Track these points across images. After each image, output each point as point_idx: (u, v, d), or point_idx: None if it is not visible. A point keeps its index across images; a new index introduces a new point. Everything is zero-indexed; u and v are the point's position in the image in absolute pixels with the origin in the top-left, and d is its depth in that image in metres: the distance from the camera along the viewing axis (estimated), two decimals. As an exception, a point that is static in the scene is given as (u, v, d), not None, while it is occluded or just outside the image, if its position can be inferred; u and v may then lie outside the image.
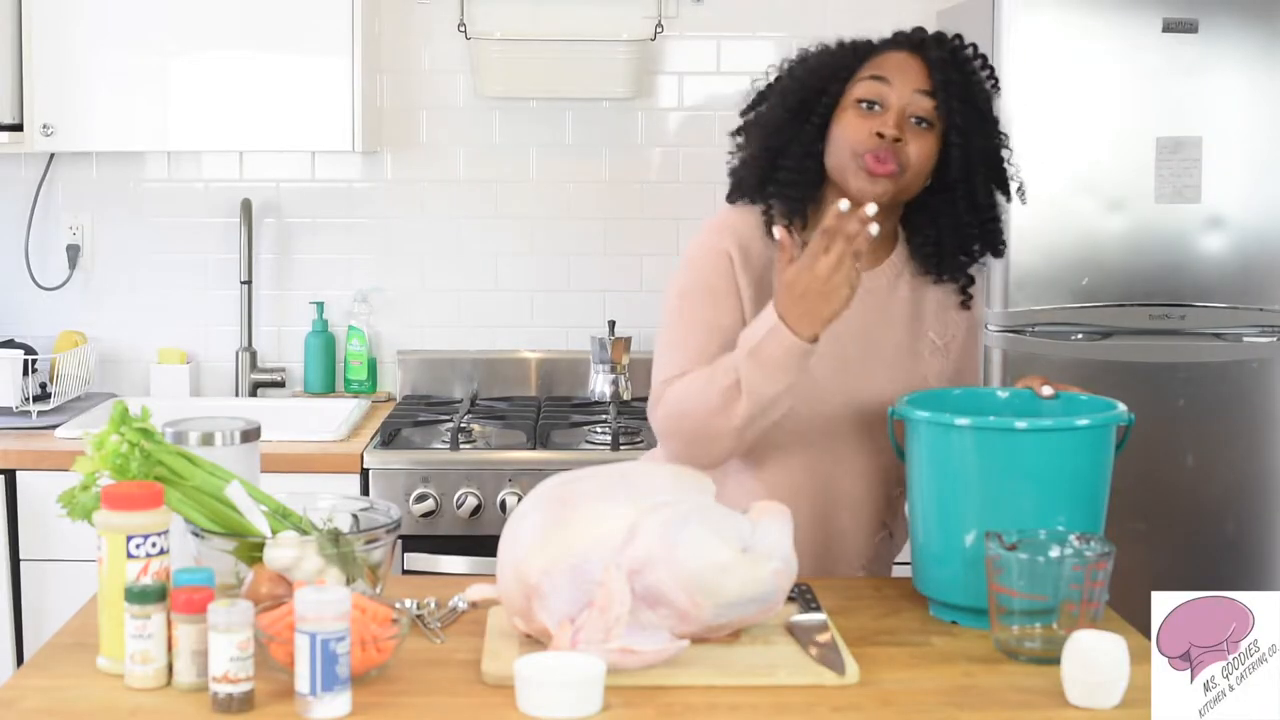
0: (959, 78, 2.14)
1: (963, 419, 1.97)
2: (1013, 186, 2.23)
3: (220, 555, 1.90)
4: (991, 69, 2.22)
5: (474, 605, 2.00)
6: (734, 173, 2.25)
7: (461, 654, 1.84)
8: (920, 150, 2.12)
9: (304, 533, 1.91)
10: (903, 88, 2.13)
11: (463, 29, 3.75)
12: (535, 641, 1.83)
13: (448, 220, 3.81)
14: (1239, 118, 3.23)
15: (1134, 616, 1.93)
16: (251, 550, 1.89)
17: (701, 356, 2.10)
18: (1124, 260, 3.22)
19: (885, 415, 2.07)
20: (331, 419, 3.42)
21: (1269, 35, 3.20)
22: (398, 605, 1.84)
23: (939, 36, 2.20)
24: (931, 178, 2.17)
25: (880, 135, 2.10)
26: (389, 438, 3.27)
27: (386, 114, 3.78)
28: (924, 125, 2.13)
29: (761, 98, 2.25)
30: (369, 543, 1.92)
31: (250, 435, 2.10)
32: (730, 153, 2.27)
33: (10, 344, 3.63)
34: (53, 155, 3.74)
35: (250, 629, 1.67)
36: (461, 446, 3.22)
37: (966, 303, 2.27)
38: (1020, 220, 3.21)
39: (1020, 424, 1.95)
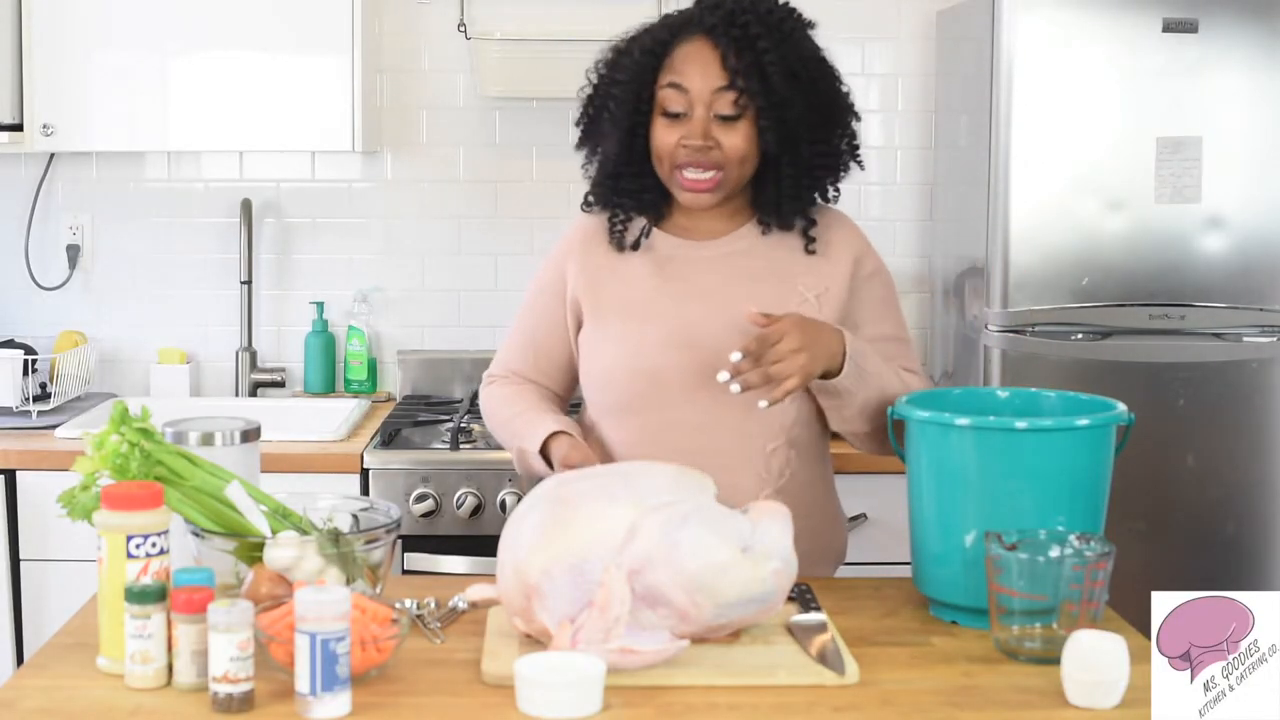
0: (752, 57, 2.12)
1: (963, 419, 1.97)
2: (853, 123, 2.25)
3: (220, 555, 1.91)
4: (793, 13, 2.19)
5: (474, 605, 2.00)
6: (590, 182, 2.30)
7: (461, 654, 1.84)
8: (734, 142, 2.14)
9: (304, 533, 1.91)
10: (701, 89, 2.13)
11: (463, 29, 3.75)
12: (535, 641, 1.83)
13: (448, 220, 3.81)
14: (1239, 118, 3.22)
15: (1134, 616, 1.93)
16: (251, 550, 1.89)
17: (515, 359, 2.35)
18: (1124, 260, 3.22)
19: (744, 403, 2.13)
20: (331, 419, 3.42)
21: (1269, 35, 3.20)
22: (398, 605, 1.84)
23: (730, 14, 2.14)
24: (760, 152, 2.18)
25: (687, 145, 2.14)
26: (389, 438, 3.27)
27: (386, 114, 3.77)
28: (732, 118, 2.13)
29: (589, 110, 2.26)
30: (369, 543, 1.92)
31: (250, 435, 2.10)
32: (583, 167, 2.30)
33: (10, 344, 3.63)
34: (53, 155, 3.74)
35: (250, 629, 1.67)
36: (461, 446, 3.22)
37: (810, 246, 2.24)
38: (1020, 220, 3.21)
39: (1020, 424, 1.96)
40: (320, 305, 3.77)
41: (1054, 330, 3.23)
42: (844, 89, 2.24)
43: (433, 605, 2.00)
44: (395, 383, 3.82)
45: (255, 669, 1.67)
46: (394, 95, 3.78)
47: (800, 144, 2.16)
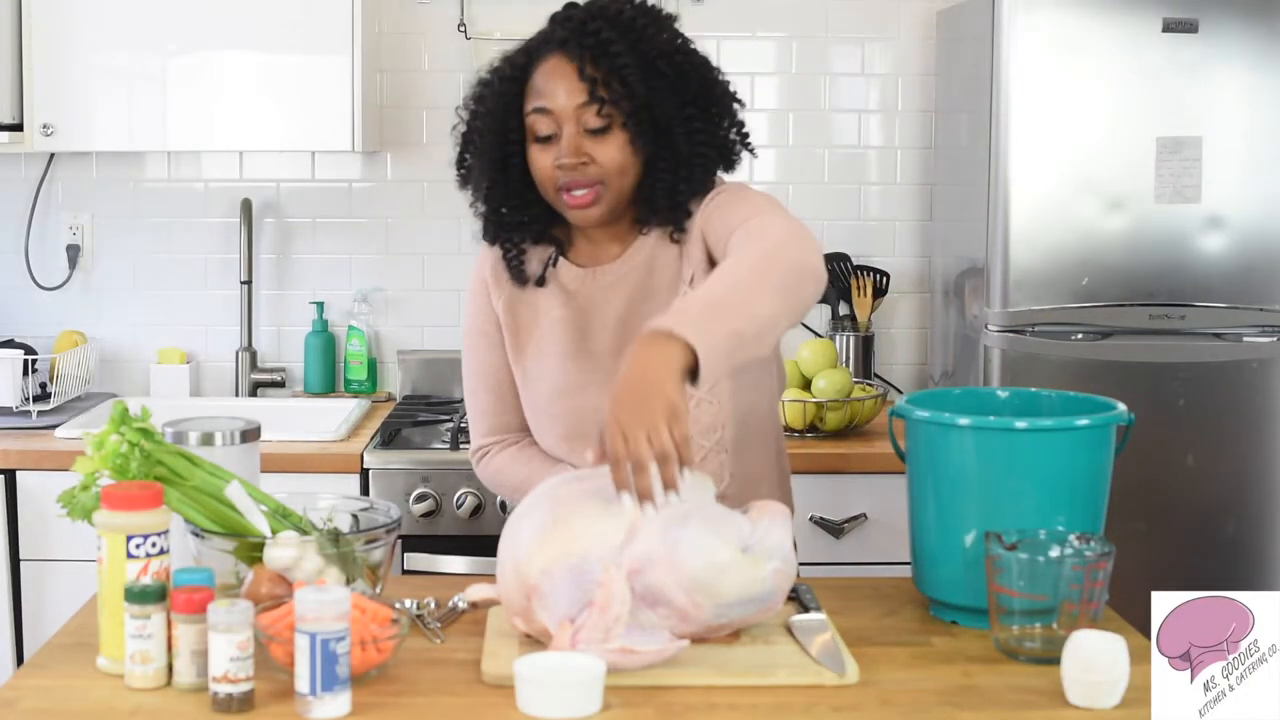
0: (609, 64, 2.06)
1: (963, 419, 1.97)
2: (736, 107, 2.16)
3: (220, 555, 1.91)
4: (649, 9, 2.12)
5: (474, 605, 2.01)
6: (481, 218, 2.24)
7: (461, 654, 1.84)
8: (608, 154, 2.08)
9: (304, 533, 1.91)
10: (565, 108, 2.07)
11: (463, 29, 3.75)
12: (535, 641, 1.83)
13: (448, 220, 3.81)
14: (1239, 118, 3.22)
15: (1134, 616, 1.93)
16: (251, 550, 1.89)
17: (491, 418, 2.28)
18: (1124, 260, 3.22)
19: None
20: (331, 419, 3.42)
21: (1269, 35, 3.20)
22: (398, 605, 1.84)
23: (581, 25, 2.08)
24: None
25: (562, 166, 2.09)
26: (389, 438, 3.27)
27: (386, 114, 3.77)
28: (601, 130, 2.08)
29: (462, 148, 2.20)
30: (369, 543, 1.92)
31: (250, 435, 2.10)
32: (471, 206, 2.24)
33: (10, 344, 3.63)
34: (53, 155, 3.74)
35: (250, 629, 1.67)
36: (461, 446, 3.22)
37: (677, 235, 2.15)
38: (1020, 220, 3.21)
39: (1020, 424, 1.96)
40: (320, 305, 3.77)
41: (1054, 330, 3.23)
42: (719, 78, 2.15)
43: (433, 605, 2.00)
44: (395, 383, 3.82)
45: (255, 669, 1.67)
46: (394, 95, 3.78)
47: (677, 140, 2.09)
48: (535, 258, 2.24)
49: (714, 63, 2.17)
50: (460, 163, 2.21)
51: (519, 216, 2.19)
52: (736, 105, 2.17)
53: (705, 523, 1.81)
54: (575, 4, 2.14)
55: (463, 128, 2.20)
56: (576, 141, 2.08)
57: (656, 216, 2.15)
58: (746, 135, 2.19)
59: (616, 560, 1.79)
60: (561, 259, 2.23)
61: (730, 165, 2.20)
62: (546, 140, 2.10)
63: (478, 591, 2.00)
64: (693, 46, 2.15)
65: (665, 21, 2.14)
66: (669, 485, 1.72)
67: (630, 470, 1.72)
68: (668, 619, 1.81)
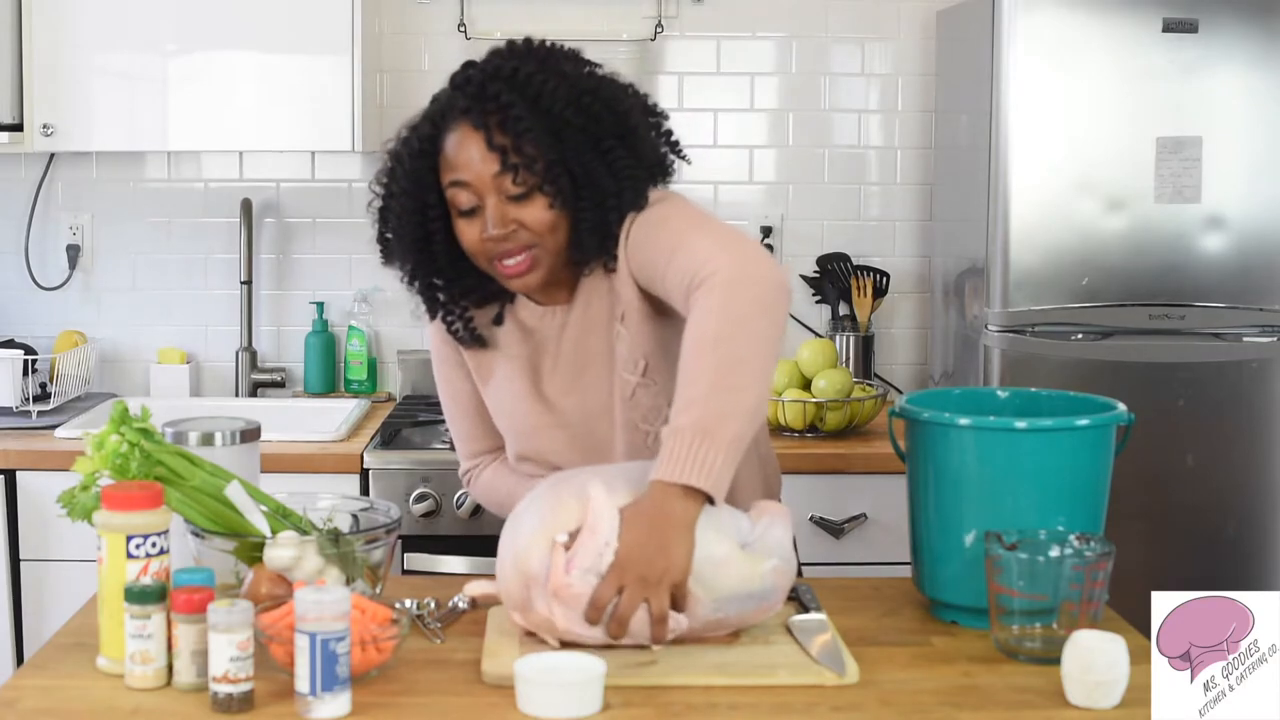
0: (515, 131, 1.96)
1: (963, 419, 1.97)
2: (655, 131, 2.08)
3: (220, 555, 1.91)
4: (546, 57, 2.05)
5: (473, 602, 2.01)
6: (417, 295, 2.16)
7: (461, 654, 1.84)
8: (535, 216, 1.99)
9: (304, 533, 1.91)
10: (481, 178, 1.98)
11: (463, 29, 3.75)
12: (535, 640, 1.84)
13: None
14: (1239, 118, 3.22)
15: (1134, 616, 1.93)
16: (251, 550, 1.89)
17: (475, 440, 2.27)
18: (1124, 260, 3.22)
19: (623, 420, 2.07)
20: (331, 419, 3.42)
21: (1269, 35, 3.20)
22: (398, 605, 1.84)
23: (480, 89, 2.00)
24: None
25: (489, 239, 2.00)
26: (389, 438, 3.27)
27: (386, 114, 3.77)
28: (523, 196, 1.98)
29: (382, 226, 2.09)
30: (369, 543, 1.92)
31: (250, 435, 2.10)
32: (401, 281, 2.15)
33: (10, 344, 3.63)
34: (53, 155, 3.74)
35: (250, 629, 1.67)
36: (461, 446, 3.22)
37: (611, 265, 2.05)
38: (1020, 220, 3.21)
39: (1020, 424, 1.96)
40: (320, 305, 3.77)
41: (1054, 330, 3.23)
42: (632, 98, 2.06)
43: (433, 605, 2.00)
44: (395, 383, 3.82)
45: (255, 669, 1.67)
46: (394, 95, 3.78)
47: (599, 178, 2.00)
48: (481, 312, 2.16)
49: (623, 81, 2.09)
50: (381, 240, 2.11)
51: (453, 289, 2.12)
52: (657, 119, 2.10)
53: (704, 516, 1.80)
54: (473, 63, 2.05)
55: (378, 203, 2.08)
56: (501, 210, 1.98)
57: (591, 255, 2.06)
58: (676, 143, 2.11)
59: (605, 479, 1.80)
60: (519, 296, 2.15)
61: (667, 176, 2.12)
62: (470, 213, 2.01)
63: (477, 587, 2.00)
64: (599, 75, 2.06)
65: (566, 63, 2.05)
66: (656, 641, 1.78)
67: (609, 616, 1.76)
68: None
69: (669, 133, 2.11)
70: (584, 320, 2.10)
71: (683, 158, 2.13)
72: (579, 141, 1.99)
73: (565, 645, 1.81)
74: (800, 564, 2.17)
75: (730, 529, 1.84)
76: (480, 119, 1.97)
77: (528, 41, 2.08)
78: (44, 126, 3.41)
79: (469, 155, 1.98)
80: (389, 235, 2.09)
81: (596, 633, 1.78)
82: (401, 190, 2.03)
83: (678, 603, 1.78)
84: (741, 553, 1.83)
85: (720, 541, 1.82)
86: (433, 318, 2.17)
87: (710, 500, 1.77)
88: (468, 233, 2.02)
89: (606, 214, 2.02)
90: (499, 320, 2.16)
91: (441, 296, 2.13)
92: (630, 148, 2.03)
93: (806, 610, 1.97)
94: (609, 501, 1.79)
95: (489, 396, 2.21)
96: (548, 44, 2.08)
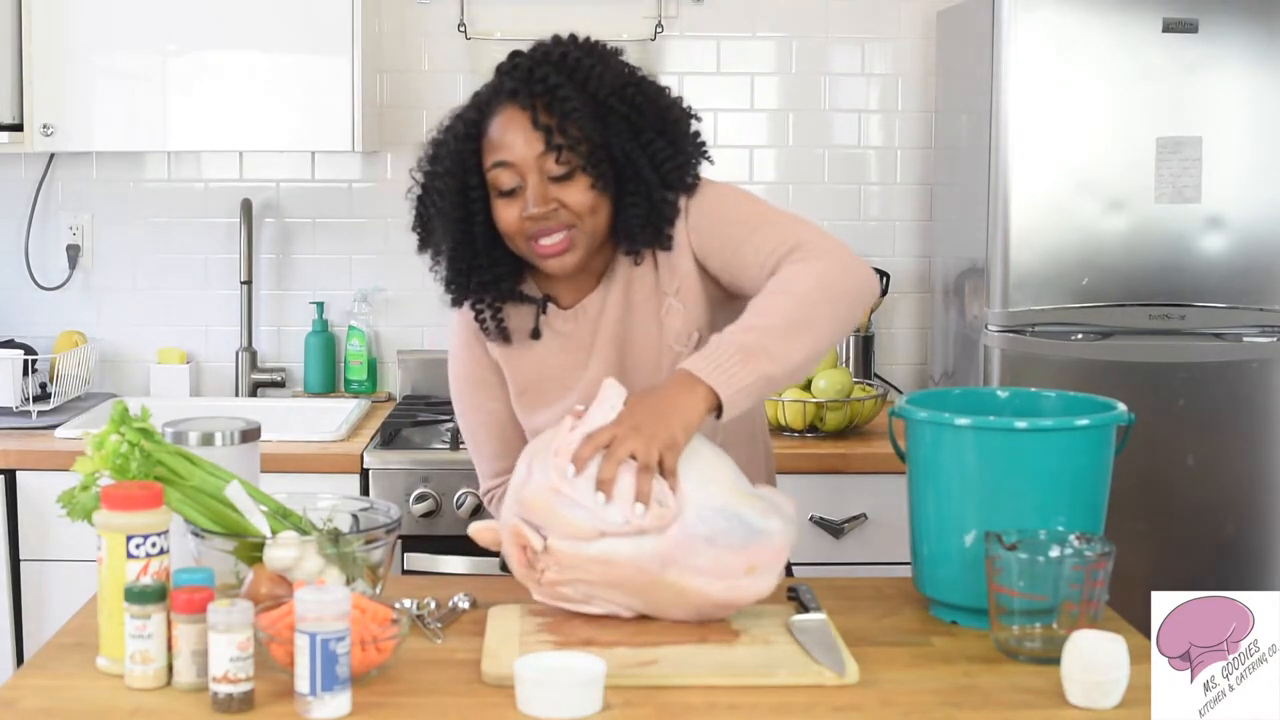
0: (562, 111, 2.02)
1: (963, 419, 1.97)
2: (692, 129, 2.13)
3: (220, 555, 1.91)
4: (593, 46, 2.11)
5: (473, 602, 2.01)
6: (444, 281, 2.19)
7: (461, 654, 1.85)
8: (575, 198, 2.04)
9: (304, 533, 1.91)
10: (525, 159, 2.03)
11: (463, 29, 3.75)
12: (535, 641, 1.84)
13: (448, 220, 3.81)
14: (1239, 118, 3.22)
15: (1134, 616, 1.93)
16: (251, 550, 1.89)
17: (497, 459, 2.25)
18: (1124, 260, 3.22)
19: None
20: (331, 419, 3.42)
21: (1269, 35, 3.20)
22: (398, 605, 1.84)
23: (528, 73, 2.06)
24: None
25: (530, 217, 2.04)
26: (389, 438, 3.27)
27: (386, 114, 3.77)
28: (565, 176, 2.04)
29: (421, 210, 2.15)
30: (369, 543, 1.92)
31: (250, 435, 2.10)
32: (432, 270, 2.19)
33: (10, 344, 3.63)
34: (53, 155, 3.74)
35: (250, 629, 1.67)
36: (461, 446, 3.22)
37: (666, 244, 2.11)
38: (1020, 220, 3.21)
39: (1020, 424, 1.96)
40: (320, 305, 3.77)
41: (1054, 330, 3.23)
42: (670, 97, 2.13)
43: (433, 605, 2.00)
44: (395, 383, 3.82)
45: (255, 669, 1.67)
46: (394, 95, 3.78)
47: (643, 169, 2.06)
48: (514, 314, 2.19)
49: (659, 82, 2.14)
50: (420, 225, 2.16)
51: (485, 275, 2.14)
52: (694, 120, 2.14)
53: (713, 449, 1.90)
54: (520, 52, 2.11)
55: (418, 190, 2.14)
56: (542, 189, 2.03)
57: (640, 244, 2.11)
58: (703, 145, 2.15)
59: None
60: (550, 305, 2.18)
61: (696, 177, 2.14)
62: (510, 194, 2.06)
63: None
64: (642, 75, 2.12)
65: (611, 56, 2.11)
66: (640, 496, 1.83)
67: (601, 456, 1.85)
68: (644, 513, 1.83)
69: (697, 134, 2.15)
70: (624, 300, 2.14)
71: (709, 160, 2.16)
72: (622, 129, 2.05)
73: (558, 595, 1.89)
74: (792, 564, 2.18)
75: (735, 469, 1.93)
76: (527, 100, 2.04)
77: (573, 35, 2.14)
78: (44, 126, 3.41)
79: (513, 136, 2.04)
80: (428, 219, 2.13)
81: (586, 516, 1.83)
82: (446, 170, 2.09)
83: (667, 474, 1.84)
84: (740, 481, 1.91)
85: (721, 461, 1.91)
86: (461, 303, 2.19)
87: (719, 415, 1.87)
88: (507, 213, 2.07)
89: (655, 205, 2.08)
90: (536, 335, 2.17)
91: (473, 282, 2.15)
92: (670, 141, 2.09)
93: (806, 610, 1.97)
94: (619, 384, 1.90)
95: (538, 418, 2.19)
96: (591, 39, 2.14)
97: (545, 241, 2.06)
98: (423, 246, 2.18)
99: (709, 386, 1.86)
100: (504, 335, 2.18)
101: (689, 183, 2.12)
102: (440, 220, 2.11)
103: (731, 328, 1.93)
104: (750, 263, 2.02)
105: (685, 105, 2.16)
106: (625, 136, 2.06)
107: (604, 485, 1.84)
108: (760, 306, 1.94)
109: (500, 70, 2.11)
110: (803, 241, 1.99)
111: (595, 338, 2.16)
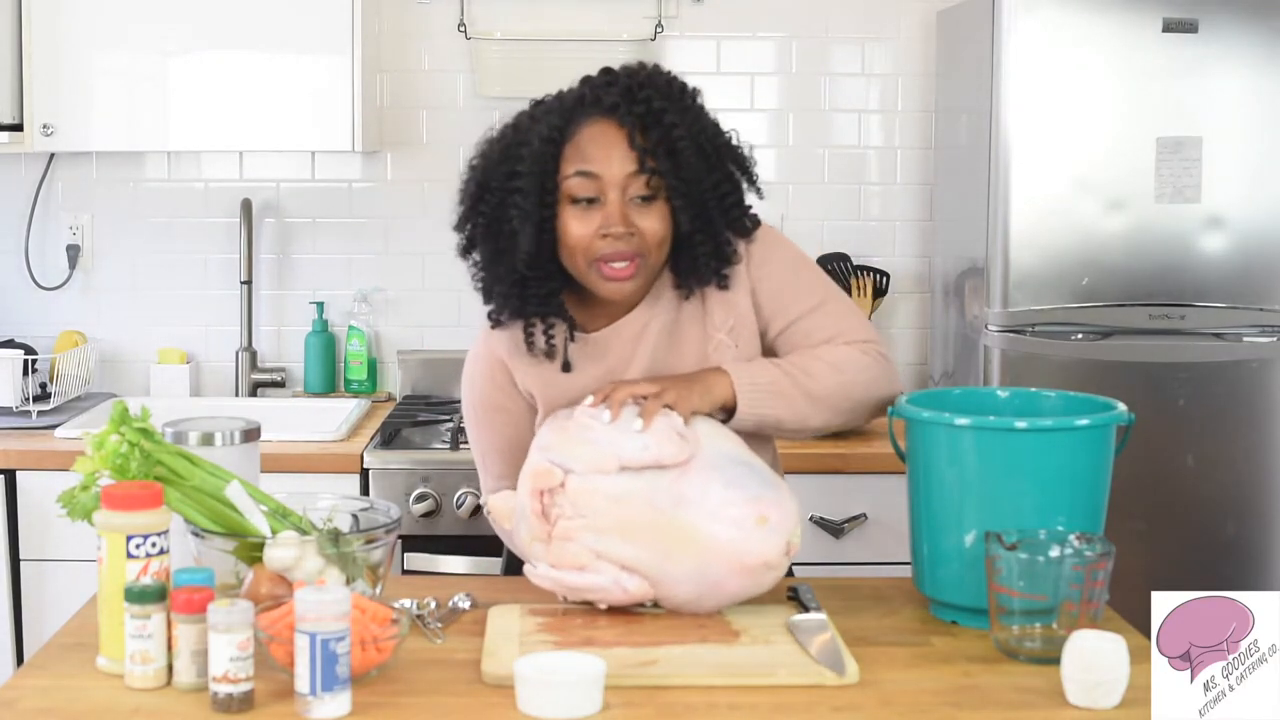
0: (660, 134, 2.01)
1: (963, 419, 1.97)
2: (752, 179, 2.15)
3: (220, 555, 1.91)
4: (686, 85, 2.09)
5: (473, 602, 2.01)
6: (486, 294, 2.13)
7: (461, 654, 1.85)
8: (652, 225, 2.03)
9: (304, 533, 1.91)
10: (614, 176, 2.01)
11: (463, 29, 3.75)
12: (535, 641, 1.84)
13: (448, 220, 3.79)
14: (1239, 118, 3.22)
15: (1134, 616, 1.93)
16: (251, 550, 1.89)
17: (503, 477, 2.20)
18: (1124, 260, 3.22)
19: None
20: (331, 419, 3.42)
21: (1269, 35, 3.20)
22: (398, 605, 1.84)
23: (628, 89, 2.04)
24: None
25: (607, 235, 2.01)
26: (389, 438, 3.27)
27: (386, 114, 3.77)
28: (647, 199, 2.02)
29: (472, 206, 2.09)
30: (369, 543, 1.92)
31: (250, 435, 2.10)
32: (473, 275, 2.13)
33: (10, 344, 3.63)
34: (53, 155, 3.74)
35: (250, 629, 1.67)
36: (461, 446, 3.22)
37: (724, 283, 2.12)
38: (1020, 220, 3.21)
39: (1020, 424, 1.96)
40: (320, 305, 3.77)
41: (1054, 330, 3.23)
42: (735, 144, 2.12)
43: (433, 605, 2.00)
44: (395, 383, 3.82)
45: (255, 669, 1.67)
46: (394, 95, 3.78)
47: (711, 211, 2.06)
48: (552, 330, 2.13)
49: (731, 130, 2.15)
50: (477, 226, 2.09)
51: (544, 287, 2.07)
52: (745, 163, 2.14)
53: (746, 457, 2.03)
54: (612, 69, 2.08)
55: (471, 188, 2.08)
56: (624, 210, 2.01)
57: (700, 283, 2.11)
58: (755, 179, 2.15)
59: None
60: (577, 332, 2.14)
61: (755, 222, 2.16)
62: (583, 204, 2.01)
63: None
64: (715, 118, 2.12)
65: (697, 94, 2.10)
66: (646, 415, 1.95)
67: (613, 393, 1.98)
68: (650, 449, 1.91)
69: (757, 177, 2.15)
70: (669, 331, 2.13)
71: (759, 193, 2.16)
72: (703, 168, 2.05)
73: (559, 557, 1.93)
74: (792, 564, 2.18)
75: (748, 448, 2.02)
76: (628, 118, 2.02)
77: (657, 65, 2.12)
78: (44, 126, 3.41)
79: (607, 150, 2.02)
80: (488, 217, 2.06)
81: (607, 445, 1.91)
82: (528, 172, 2.02)
83: (679, 408, 1.98)
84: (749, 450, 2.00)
85: (729, 435, 2.00)
86: (511, 320, 2.12)
87: (731, 414, 2.03)
88: (580, 226, 2.02)
89: (719, 246, 2.09)
90: (567, 367, 2.13)
91: (531, 293, 2.08)
92: (736, 185, 2.11)
93: (806, 610, 1.97)
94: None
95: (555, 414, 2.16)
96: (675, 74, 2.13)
97: (616, 264, 2.02)
98: (467, 250, 2.12)
99: (735, 393, 2.04)
100: (551, 353, 2.12)
101: (748, 227, 2.13)
102: (515, 223, 2.03)
103: (782, 364, 2.08)
104: (806, 336, 2.13)
105: (741, 151, 2.13)
106: (703, 175, 2.04)
107: (645, 415, 1.94)
108: (812, 368, 2.08)
109: (591, 83, 2.07)
110: (859, 339, 2.12)
111: (630, 364, 2.13)
